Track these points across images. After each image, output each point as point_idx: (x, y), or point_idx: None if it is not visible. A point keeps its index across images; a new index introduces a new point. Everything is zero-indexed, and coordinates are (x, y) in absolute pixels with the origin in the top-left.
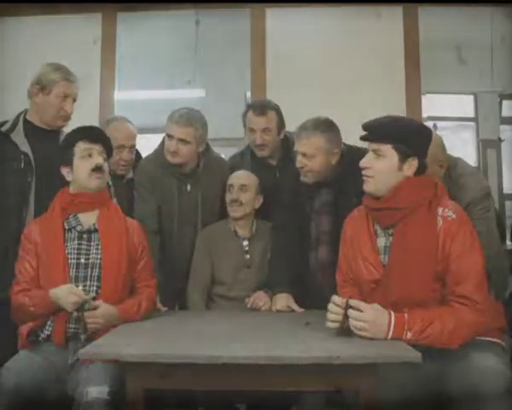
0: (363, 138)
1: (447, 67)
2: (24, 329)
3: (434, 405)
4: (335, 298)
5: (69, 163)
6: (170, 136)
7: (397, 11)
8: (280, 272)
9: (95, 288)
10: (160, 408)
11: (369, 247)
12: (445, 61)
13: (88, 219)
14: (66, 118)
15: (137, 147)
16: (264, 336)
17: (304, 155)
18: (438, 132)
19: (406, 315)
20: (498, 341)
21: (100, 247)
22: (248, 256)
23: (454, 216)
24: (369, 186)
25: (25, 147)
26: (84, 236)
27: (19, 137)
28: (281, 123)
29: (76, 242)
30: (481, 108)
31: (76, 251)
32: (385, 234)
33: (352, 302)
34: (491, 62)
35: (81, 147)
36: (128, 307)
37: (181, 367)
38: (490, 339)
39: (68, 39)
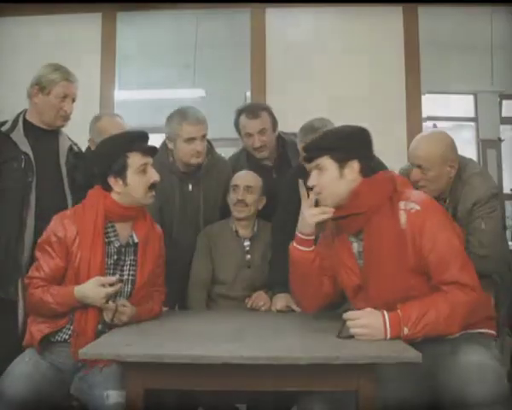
0: (305, 159)
1: (447, 67)
2: (37, 333)
3: (430, 404)
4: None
5: (121, 175)
6: (190, 139)
7: (397, 11)
8: (280, 273)
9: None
10: (160, 408)
11: (347, 253)
12: (445, 61)
13: (124, 229)
14: (66, 118)
15: None
16: (264, 336)
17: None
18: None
19: (400, 312)
20: (489, 331)
21: (135, 262)
22: (249, 256)
23: (418, 207)
24: (321, 204)
25: (25, 147)
26: (123, 249)
27: (19, 137)
28: (274, 122)
29: (115, 257)
30: (481, 108)
31: (113, 266)
32: (357, 239)
33: (344, 316)
34: (491, 62)
35: (136, 161)
36: (144, 310)
37: (181, 367)
38: (479, 331)
39: (68, 39)
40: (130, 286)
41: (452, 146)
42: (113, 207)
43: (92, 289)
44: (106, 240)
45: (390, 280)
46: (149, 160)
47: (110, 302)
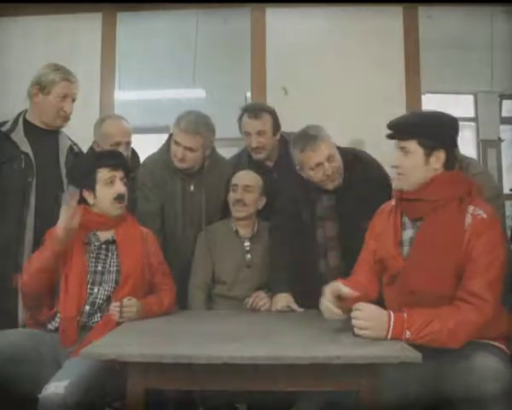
0: (389, 136)
1: (447, 67)
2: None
3: (435, 405)
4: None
5: (92, 188)
6: (177, 142)
7: (397, 11)
8: (279, 273)
9: (111, 289)
10: (160, 408)
11: (392, 240)
12: (445, 61)
13: (106, 234)
14: (66, 118)
15: (138, 147)
16: (264, 336)
17: (329, 159)
18: None
19: (405, 314)
20: (501, 346)
21: (117, 255)
22: (249, 256)
23: (484, 216)
24: (399, 184)
25: (25, 147)
26: (103, 246)
27: (19, 137)
28: (276, 124)
29: (95, 252)
30: (481, 108)
31: (94, 260)
32: (413, 226)
33: (355, 305)
34: (491, 62)
35: (104, 174)
36: (151, 302)
37: (181, 367)
38: (492, 342)
39: (68, 39)
40: (115, 275)
41: None
42: (90, 216)
43: (63, 210)
44: (85, 241)
45: (435, 272)
46: (117, 173)
47: (116, 303)
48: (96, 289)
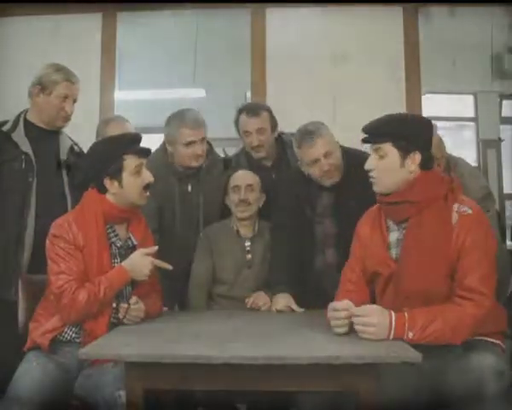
0: (364, 141)
1: (447, 68)
2: (43, 337)
3: (434, 404)
4: (336, 305)
5: (116, 176)
6: (191, 142)
7: (397, 11)
8: (280, 272)
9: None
10: (159, 408)
11: (380, 243)
12: (445, 62)
13: (121, 230)
14: (67, 118)
15: None
16: (264, 336)
17: (327, 155)
18: (438, 132)
19: (406, 314)
20: (498, 342)
21: None
22: (250, 256)
23: (470, 211)
24: (376, 187)
25: (25, 147)
26: (123, 252)
27: (19, 137)
28: (273, 122)
29: (118, 260)
30: (481, 108)
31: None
32: (398, 228)
33: (357, 311)
34: (491, 62)
35: (132, 162)
36: (150, 305)
37: (181, 367)
38: (490, 340)
39: (68, 39)
40: (130, 287)
41: (439, 144)
42: (110, 209)
43: (139, 260)
44: (108, 241)
45: (428, 272)
46: (143, 161)
47: (122, 304)
48: (114, 305)
